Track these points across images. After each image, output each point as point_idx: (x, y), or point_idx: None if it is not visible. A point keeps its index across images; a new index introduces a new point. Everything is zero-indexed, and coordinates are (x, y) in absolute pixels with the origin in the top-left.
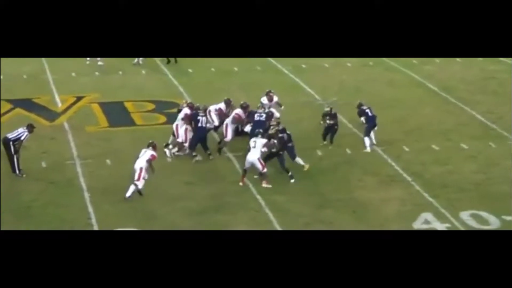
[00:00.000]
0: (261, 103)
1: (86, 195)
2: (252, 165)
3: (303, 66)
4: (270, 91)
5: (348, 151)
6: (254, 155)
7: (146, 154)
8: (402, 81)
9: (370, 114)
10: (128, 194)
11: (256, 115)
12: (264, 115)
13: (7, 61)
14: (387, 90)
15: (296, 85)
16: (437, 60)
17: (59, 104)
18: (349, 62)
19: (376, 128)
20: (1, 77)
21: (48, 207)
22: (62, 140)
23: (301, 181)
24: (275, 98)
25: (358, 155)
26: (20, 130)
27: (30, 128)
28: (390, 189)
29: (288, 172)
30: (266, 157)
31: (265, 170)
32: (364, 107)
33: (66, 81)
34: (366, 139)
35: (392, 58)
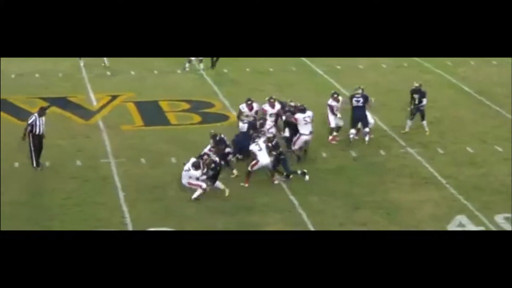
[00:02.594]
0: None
1: (121, 194)
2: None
3: (338, 67)
4: (271, 98)
5: (382, 152)
6: (266, 158)
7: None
8: (436, 82)
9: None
10: (195, 196)
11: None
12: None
13: (42, 59)
14: None
15: (330, 86)
16: (472, 62)
17: (94, 103)
18: (384, 64)
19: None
20: (36, 75)
21: (82, 205)
22: (97, 138)
23: (335, 182)
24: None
25: (392, 156)
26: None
27: (41, 111)
28: (424, 191)
29: (296, 173)
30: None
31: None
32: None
33: (102, 80)
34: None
35: (426, 59)
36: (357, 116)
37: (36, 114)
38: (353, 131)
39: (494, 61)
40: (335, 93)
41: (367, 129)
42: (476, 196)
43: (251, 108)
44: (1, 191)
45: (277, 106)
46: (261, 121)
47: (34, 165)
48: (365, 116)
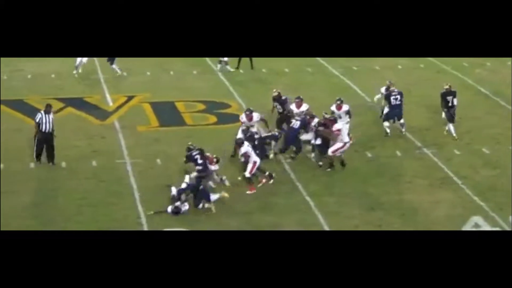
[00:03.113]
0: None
1: (136, 194)
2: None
3: (354, 68)
4: (298, 98)
5: (398, 153)
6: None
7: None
8: (452, 83)
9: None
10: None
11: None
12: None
13: (59, 60)
14: (437, 92)
15: (346, 87)
16: (488, 63)
17: (110, 103)
18: (400, 65)
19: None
20: (52, 76)
21: (98, 205)
22: (112, 139)
23: (351, 183)
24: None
25: (408, 157)
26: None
27: (47, 108)
28: (440, 192)
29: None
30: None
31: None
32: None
33: (117, 81)
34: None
35: (443, 60)
36: (396, 113)
37: (42, 112)
38: (387, 123)
39: (510, 62)
40: (338, 99)
41: (402, 120)
42: (492, 197)
43: (250, 119)
44: (17, 192)
45: (304, 107)
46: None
47: (35, 158)
48: (401, 112)
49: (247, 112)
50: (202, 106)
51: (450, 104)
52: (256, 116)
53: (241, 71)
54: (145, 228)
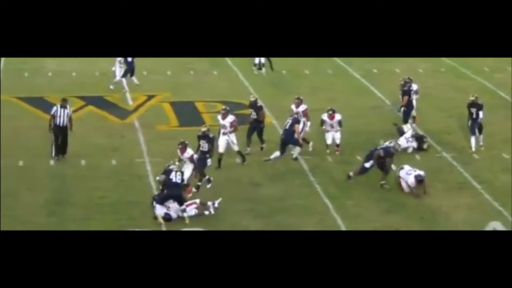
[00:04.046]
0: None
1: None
2: None
3: (374, 71)
4: (298, 98)
5: (418, 157)
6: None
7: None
8: (473, 88)
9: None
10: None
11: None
12: None
13: (79, 58)
14: (457, 96)
15: (366, 89)
16: (508, 67)
17: (130, 102)
18: (420, 68)
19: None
20: (73, 74)
21: (117, 204)
22: (132, 138)
23: (370, 186)
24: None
25: (427, 161)
26: None
27: (62, 102)
28: (458, 197)
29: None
30: None
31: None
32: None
33: (138, 80)
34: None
35: (463, 65)
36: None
37: (58, 106)
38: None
39: None
40: (330, 109)
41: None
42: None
43: (224, 118)
44: (37, 189)
45: (302, 107)
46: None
47: (53, 154)
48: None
49: (223, 111)
50: (222, 107)
51: (474, 116)
52: (230, 118)
53: (261, 71)
54: (163, 228)
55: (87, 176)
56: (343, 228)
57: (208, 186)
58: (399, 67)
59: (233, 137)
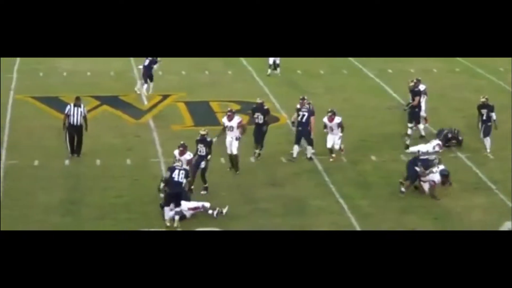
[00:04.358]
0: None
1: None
2: None
3: (389, 71)
4: (302, 97)
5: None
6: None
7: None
8: (487, 88)
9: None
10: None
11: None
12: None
13: (94, 59)
14: (472, 96)
15: (381, 89)
16: None
17: (145, 102)
18: (435, 68)
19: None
20: (88, 73)
21: (132, 204)
22: (147, 138)
23: (384, 186)
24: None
25: (442, 161)
26: None
27: (76, 101)
28: (473, 197)
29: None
30: None
31: None
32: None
33: (151, 89)
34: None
35: (478, 64)
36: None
37: (71, 104)
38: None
39: None
40: (330, 111)
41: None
42: None
43: (230, 119)
44: (52, 188)
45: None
46: None
47: (69, 152)
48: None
49: (229, 113)
50: (236, 107)
51: (484, 118)
52: (236, 119)
53: (275, 72)
54: (178, 228)
55: (102, 176)
56: (357, 228)
57: (203, 192)
58: (414, 67)
59: (237, 140)
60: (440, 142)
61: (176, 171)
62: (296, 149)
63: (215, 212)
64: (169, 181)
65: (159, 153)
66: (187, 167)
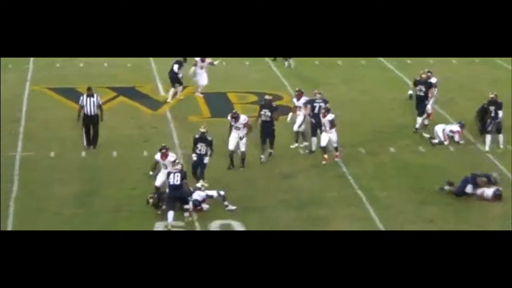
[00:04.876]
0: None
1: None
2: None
3: (408, 62)
4: (298, 90)
5: (451, 148)
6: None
7: None
8: (507, 79)
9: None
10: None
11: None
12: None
13: None
14: (491, 88)
15: (400, 80)
16: None
17: (162, 93)
18: (454, 60)
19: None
20: (104, 64)
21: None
22: (164, 129)
23: (403, 177)
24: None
25: (461, 153)
26: None
27: (88, 91)
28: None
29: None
30: None
31: None
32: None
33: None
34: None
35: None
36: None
37: (84, 95)
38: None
39: None
40: (324, 108)
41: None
42: None
43: (236, 119)
44: (68, 180)
45: (303, 99)
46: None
47: (85, 144)
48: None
49: (234, 115)
50: (254, 98)
51: (492, 115)
52: (243, 118)
53: (291, 62)
54: (194, 219)
55: (118, 168)
56: (376, 220)
57: (198, 185)
58: (433, 58)
59: (244, 137)
60: (460, 129)
61: (171, 175)
62: (313, 141)
63: (229, 206)
64: (168, 186)
65: (176, 144)
66: (183, 168)
